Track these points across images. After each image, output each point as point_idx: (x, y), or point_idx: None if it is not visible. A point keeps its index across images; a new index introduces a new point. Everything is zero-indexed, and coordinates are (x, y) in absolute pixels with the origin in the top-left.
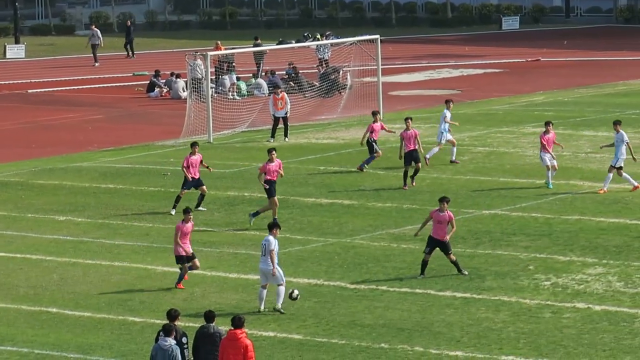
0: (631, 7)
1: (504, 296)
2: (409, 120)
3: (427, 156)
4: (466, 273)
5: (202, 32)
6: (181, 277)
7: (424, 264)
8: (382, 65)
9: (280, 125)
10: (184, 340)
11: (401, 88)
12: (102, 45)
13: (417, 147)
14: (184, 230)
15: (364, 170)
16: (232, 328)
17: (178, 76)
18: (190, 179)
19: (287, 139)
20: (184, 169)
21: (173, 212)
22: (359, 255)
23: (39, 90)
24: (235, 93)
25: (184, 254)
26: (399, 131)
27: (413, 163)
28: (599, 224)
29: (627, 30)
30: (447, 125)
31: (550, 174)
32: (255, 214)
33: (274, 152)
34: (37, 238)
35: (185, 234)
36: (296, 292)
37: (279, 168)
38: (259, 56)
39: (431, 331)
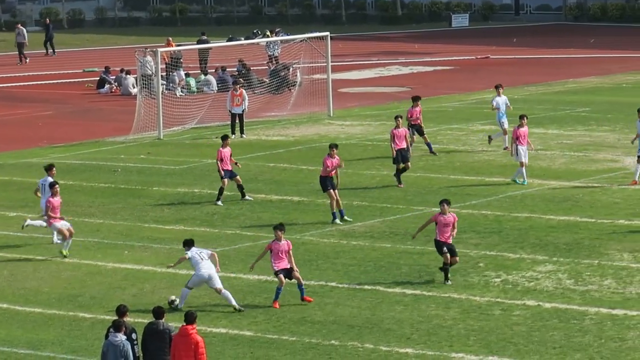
0: (580, 5)
1: (454, 293)
2: (399, 119)
3: (493, 137)
4: (449, 283)
5: (152, 29)
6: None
7: (446, 269)
8: (332, 62)
9: (237, 121)
10: (133, 336)
11: (351, 85)
12: (28, 44)
13: (406, 146)
14: (276, 248)
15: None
16: (184, 324)
17: (128, 72)
18: (223, 172)
19: (243, 136)
20: (218, 162)
21: (219, 202)
22: (308, 252)
23: None
24: (183, 89)
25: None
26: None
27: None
28: (549, 222)
29: (576, 28)
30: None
31: (524, 170)
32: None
33: (335, 148)
34: None
35: (279, 252)
36: (173, 297)
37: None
38: (204, 53)
39: (381, 328)
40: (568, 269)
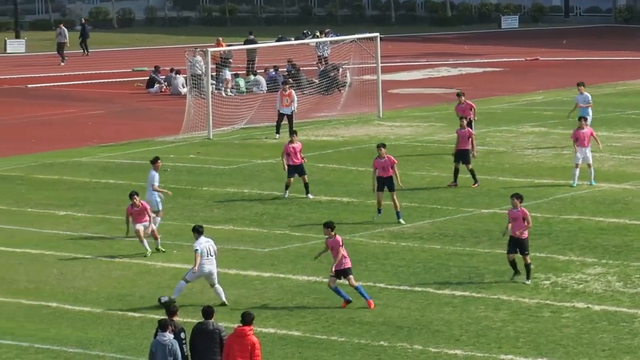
0: (630, 7)
1: (503, 295)
2: (464, 120)
3: None
4: (528, 282)
5: (202, 29)
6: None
7: (512, 265)
8: (381, 63)
9: (285, 122)
10: (182, 335)
11: (400, 86)
12: (69, 44)
13: (469, 147)
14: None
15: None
16: (241, 324)
17: (178, 72)
18: (287, 167)
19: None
20: (282, 157)
21: (285, 195)
22: (358, 253)
23: (38, 85)
24: (230, 89)
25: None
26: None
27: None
28: (599, 224)
29: (626, 30)
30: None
31: (577, 172)
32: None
33: (382, 148)
34: (37, 233)
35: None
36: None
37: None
38: (251, 53)
39: (430, 329)
40: (617, 271)
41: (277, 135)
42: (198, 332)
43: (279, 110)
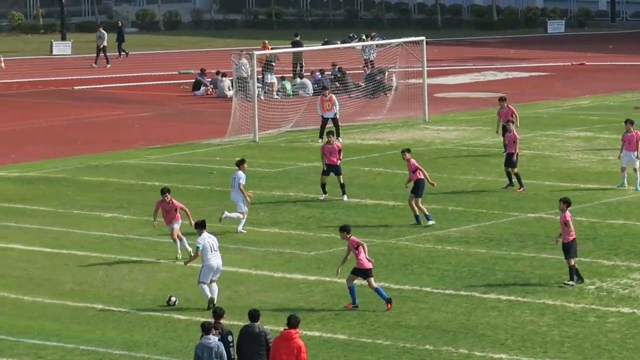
0: None
1: (549, 299)
2: (511, 124)
3: None
4: (572, 284)
5: (248, 31)
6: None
7: (569, 269)
8: (427, 67)
9: (330, 125)
10: (229, 338)
11: (446, 90)
12: (107, 47)
13: (516, 152)
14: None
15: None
16: (287, 327)
17: (224, 75)
18: (326, 166)
19: (340, 139)
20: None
21: (322, 197)
22: (403, 257)
23: (85, 87)
24: (276, 92)
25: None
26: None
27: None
28: None
29: None
30: None
31: (624, 175)
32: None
33: (406, 153)
34: (82, 234)
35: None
36: (173, 298)
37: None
38: (297, 56)
39: (476, 333)
40: None
41: (320, 139)
42: (244, 335)
43: (321, 115)
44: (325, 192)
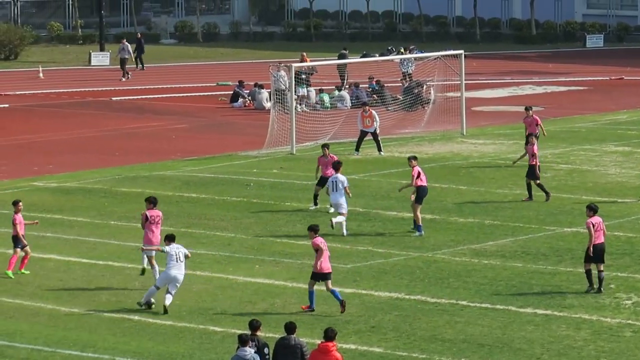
0: None
1: (585, 314)
2: (534, 137)
3: None
4: (602, 290)
5: (286, 44)
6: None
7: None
8: (465, 80)
9: (369, 137)
10: (265, 350)
11: (484, 104)
12: (133, 59)
13: (534, 163)
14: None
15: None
16: (324, 340)
17: (262, 87)
18: (319, 178)
19: (382, 153)
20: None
21: (312, 207)
22: (440, 270)
23: (123, 98)
24: (306, 105)
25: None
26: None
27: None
28: None
29: None
30: None
31: None
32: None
33: (412, 160)
34: (119, 245)
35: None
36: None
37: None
38: (342, 68)
39: (512, 347)
40: None
41: (357, 153)
42: (280, 347)
43: (361, 130)
44: (316, 204)
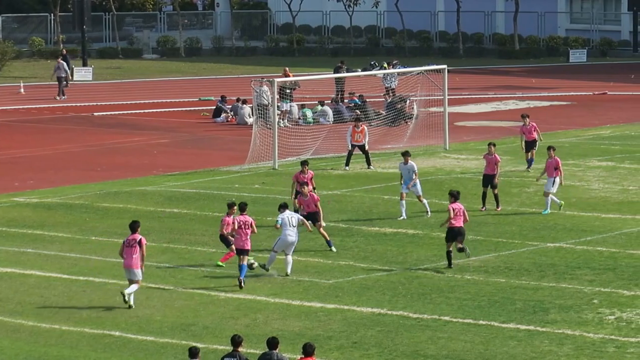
0: None
1: (568, 330)
2: (492, 147)
3: None
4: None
5: (269, 59)
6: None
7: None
8: (448, 95)
9: (357, 152)
10: None
11: (467, 119)
12: (71, 78)
13: (495, 173)
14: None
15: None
16: (303, 356)
17: (244, 102)
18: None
19: (371, 167)
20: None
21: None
22: (422, 285)
23: (105, 113)
24: (287, 120)
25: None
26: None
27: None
28: None
29: None
30: None
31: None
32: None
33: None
34: (100, 261)
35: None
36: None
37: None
38: (339, 81)
39: None
40: None
41: (347, 167)
42: None
43: (351, 144)
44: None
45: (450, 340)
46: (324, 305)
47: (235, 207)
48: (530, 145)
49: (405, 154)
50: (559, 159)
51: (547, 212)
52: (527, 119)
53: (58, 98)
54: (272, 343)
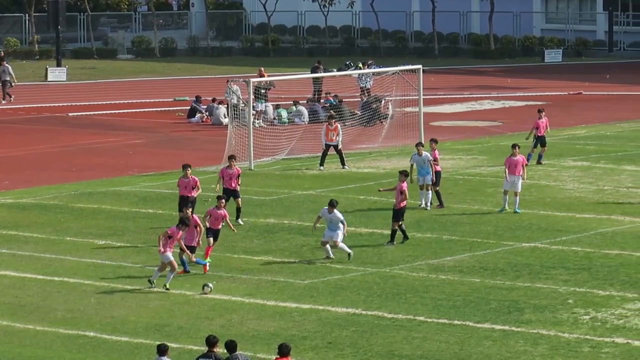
0: None
1: (543, 329)
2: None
3: None
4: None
5: (244, 59)
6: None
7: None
8: (423, 95)
9: (332, 152)
10: None
11: (442, 119)
12: (15, 82)
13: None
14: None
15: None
16: (278, 356)
17: (220, 102)
18: (223, 190)
19: (346, 167)
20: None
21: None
22: (397, 285)
23: (80, 113)
24: (263, 120)
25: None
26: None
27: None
28: None
29: None
30: None
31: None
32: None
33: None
34: (75, 261)
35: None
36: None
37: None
38: (317, 81)
39: None
40: None
41: (321, 167)
42: None
43: (325, 144)
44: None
45: (425, 340)
46: (299, 306)
47: (224, 201)
48: (540, 140)
49: (419, 145)
50: (523, 157)
51: (505, 210)
52: (543, 113)
53: (4, 102)
54: (231, 346)
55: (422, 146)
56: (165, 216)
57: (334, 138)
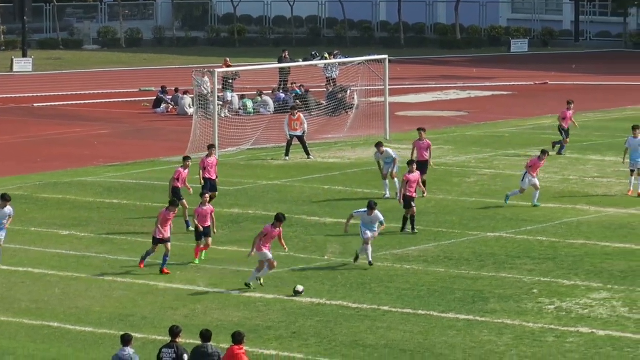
0: None
1: (507, 319)
2: (422, 132)
3: None
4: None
5: (210, 49)
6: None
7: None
8: (389, 85)
9: (296, 142)
10: (185, 357)
11: (408, 109)
12: None
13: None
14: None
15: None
16: (233, 344)
17: (185, 92)
18: (204, 181)
19: (311, 157)
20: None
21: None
22: (362, 275)
23: (45, 104)
24: (228, 111)
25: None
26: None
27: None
28: (605, 249)
29: (637, 55)
30: None
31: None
32: None
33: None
34: (39, 252)
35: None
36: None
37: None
38: (283, 71)
39: (433, 353)
40: (623, 296)
41: (287, 157)
42: (198, 355)
43: (289, 134)
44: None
45: (390, 330)
46: (263, 296)
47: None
48: (565, 131)
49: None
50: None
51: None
52: (572, 105)
53: None
54: (206, 336)
55: (383, 145)
56: (130, 206)
57: (297, 128)
